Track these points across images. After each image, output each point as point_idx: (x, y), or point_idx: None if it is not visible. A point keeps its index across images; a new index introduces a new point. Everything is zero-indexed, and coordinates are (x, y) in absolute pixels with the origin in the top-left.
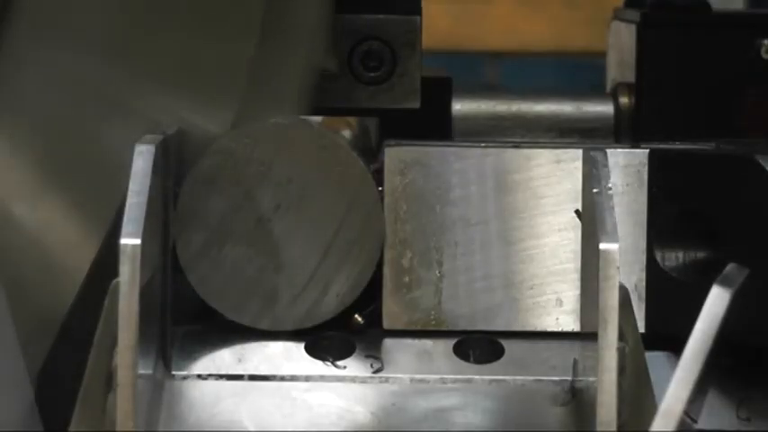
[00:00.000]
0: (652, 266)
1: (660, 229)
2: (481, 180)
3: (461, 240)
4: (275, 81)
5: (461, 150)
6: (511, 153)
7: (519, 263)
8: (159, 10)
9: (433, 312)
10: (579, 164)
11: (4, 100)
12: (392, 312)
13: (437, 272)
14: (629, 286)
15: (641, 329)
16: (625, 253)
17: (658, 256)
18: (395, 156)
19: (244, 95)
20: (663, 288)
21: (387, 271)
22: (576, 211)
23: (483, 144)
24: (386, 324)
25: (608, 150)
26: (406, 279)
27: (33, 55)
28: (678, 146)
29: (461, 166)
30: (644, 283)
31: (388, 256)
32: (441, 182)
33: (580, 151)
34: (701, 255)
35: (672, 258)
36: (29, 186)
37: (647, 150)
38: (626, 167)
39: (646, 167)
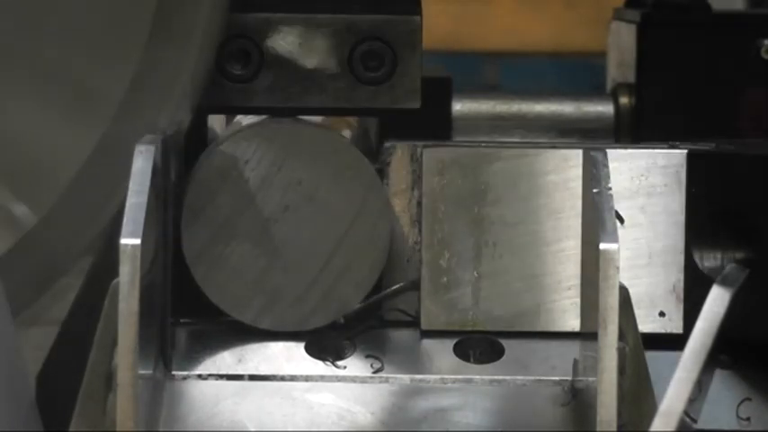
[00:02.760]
0: (690, 267)
1: (698, 230)
2: (518, 180)
3: (499, 240)
4: (177, 33)
5: (499, 151)
6: (548, 154)
7: (557, 263)
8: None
9: (470, 313)
10: (615, 164)
11: None
12: (430, 313)
13: (475, 272)
14: (668, 287)
15: (680, 330)
16: (663, 254)
17: (696, 256)
18: (433, 156)
19: (144, 49)
20: (701, 289)
21: (425, 271)
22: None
23: (520, 144)
24: (424, 324)
25: (647, 151)
26: (444, 279)
27: None
28: (717, 147)
29: (499, 166)
30: (682, 284)
31: (426, 256)
32: (478, 182)
33: (615, 152)
34: (738, 255)
35: (710, 259)
36: None
37: (686, 151)
38: (664, 168)
39: (684, 168)
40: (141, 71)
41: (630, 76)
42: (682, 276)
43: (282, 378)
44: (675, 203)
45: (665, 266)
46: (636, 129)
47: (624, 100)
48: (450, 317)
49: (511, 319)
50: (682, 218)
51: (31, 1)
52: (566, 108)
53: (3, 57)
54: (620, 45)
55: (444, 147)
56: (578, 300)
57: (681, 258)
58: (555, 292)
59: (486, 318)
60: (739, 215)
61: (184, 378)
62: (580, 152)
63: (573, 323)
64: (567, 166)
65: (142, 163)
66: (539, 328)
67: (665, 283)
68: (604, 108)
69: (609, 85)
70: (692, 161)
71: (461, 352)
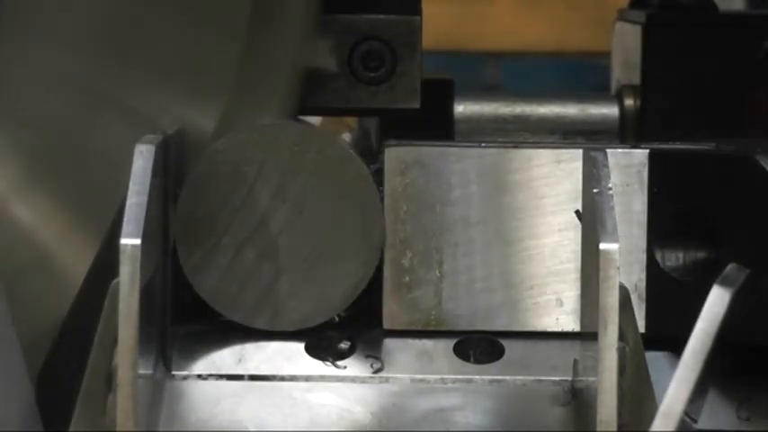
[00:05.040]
0: (652, 266)
1: (660, 229)
2: (481, 180)
3: (461, 240)
4: (262, 78)
5: (461, 150)
6: (511, 153)
7: (519, 263)
8: (149, 4)
9: (433, 312)
10: (579, 164)
11: None
12: (392, 312)
13: (437, 272)
14: (630, 286)
15: (641, 329)
16: (625, 253)
17: (658, 256)
18: (395, 156)
19: (231, 90)
20: (663, 288)
21: (387, 271)
22: (576, 212)
23: (483, 144)
24: (386, 324)
25: (608, 151)
26: (407, 279)
27: (25, 52)
28: (678, 146)
29: (461, 166)
30: (644, 284)
31: (388, 256)
32: (441, 182)
33: (580, 151)
34: (701, 255)
35: (672, 258)
36: (22, 184)
37: (648, 150)
38: (626, 167)
39: (646, 167)
40: (230, 107)
41: (635, 78)
42: (644, 276)
43: (282, 378)
44: (637, 203)
45: (627, 266)
46: (641, 130)
47: (629, 101)
48: (412, 316)
49: (473, 318)
50: (644, 217)
51: (119, 41)
52: (570, 110)
53: (91, 99)
54: (625, 46)
55: (406, 146)
56: (540, 299)
57: (643, 258)
58: (517, 291)
59: (449, 317)
60: (702, 214)
61: (184, 378)
62: (542, 151)
63: (535, 322)
64: (529, 165)
65: (142, 163)
66: (501, 328)
67: (628, 283)
68: (609, 110)
69: (613, 87)
70: (654, 160)
71: (461, 352)
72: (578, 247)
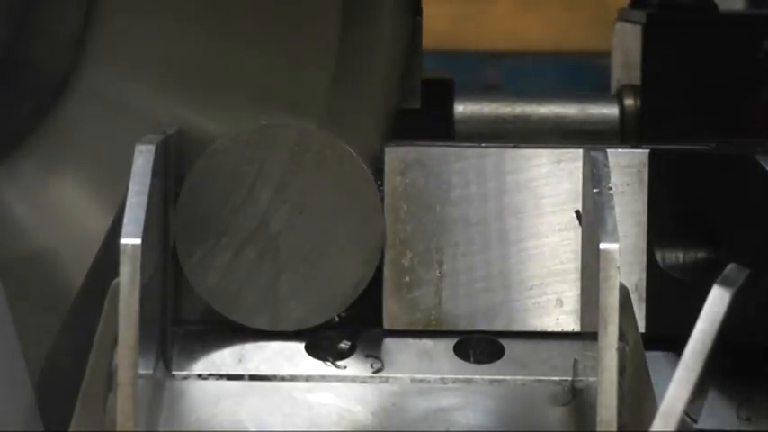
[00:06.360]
0: (652, 266)
1: (660, 229)
2: (481, 180)
3: (462, 240)
4: (352, 119)
5: (461, 150)
6: (511, 153)
7: (519, 263)
8: (236, 40)
9: (433, 312)
10: (579, 164)
11: (68, 129)
12: (392, 312)
13: (437, 272)
14: (630, 286)
15: (641, 329)
16: (625, 253)
17: (658, 256)
18: (395, 156)
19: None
20: (663, 288)
21: (387, 271)
22: (576, 212)
23: (483, 144)
24: (386, 324)
25: (608, 151)
26: (407, 279)
27: (106, 88)
28: (678, 146)
29: (461, 166)
30: (644, 283)
31: (388, 256)
32: (441, 182)
33: (580, 151)
34: (701, 255)
35: (672, 258)
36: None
37: (648, 150)
38: (626, 167)
39: (646, 167)
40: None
41: (635, 78)
42: (644, 276)
43: (282, 378)
44: (637, 203)
45: (627, 266)
46: (641, 130)
47: (629, 102)
48: (412, 316)
49: (473, 318)
50: (644, 217)
51: (205, 78)
52: (570, 110)
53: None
54: (625, 46)
55: (406, 146)
56: (540, 299)
57: (643, 258)
58: (517, 291)
59: (449, 317)
60: (702, 214)
61: (184, 378)
62: (542, 151)
63: (535, 322)
64: (528, 165)
65: (142, 163)
66: (501, 328)
67: (628, 283)
68: (609, 110)
69: (614, 87)
70: (654, 160)
71: (461, 352)
72: (578, 247)
